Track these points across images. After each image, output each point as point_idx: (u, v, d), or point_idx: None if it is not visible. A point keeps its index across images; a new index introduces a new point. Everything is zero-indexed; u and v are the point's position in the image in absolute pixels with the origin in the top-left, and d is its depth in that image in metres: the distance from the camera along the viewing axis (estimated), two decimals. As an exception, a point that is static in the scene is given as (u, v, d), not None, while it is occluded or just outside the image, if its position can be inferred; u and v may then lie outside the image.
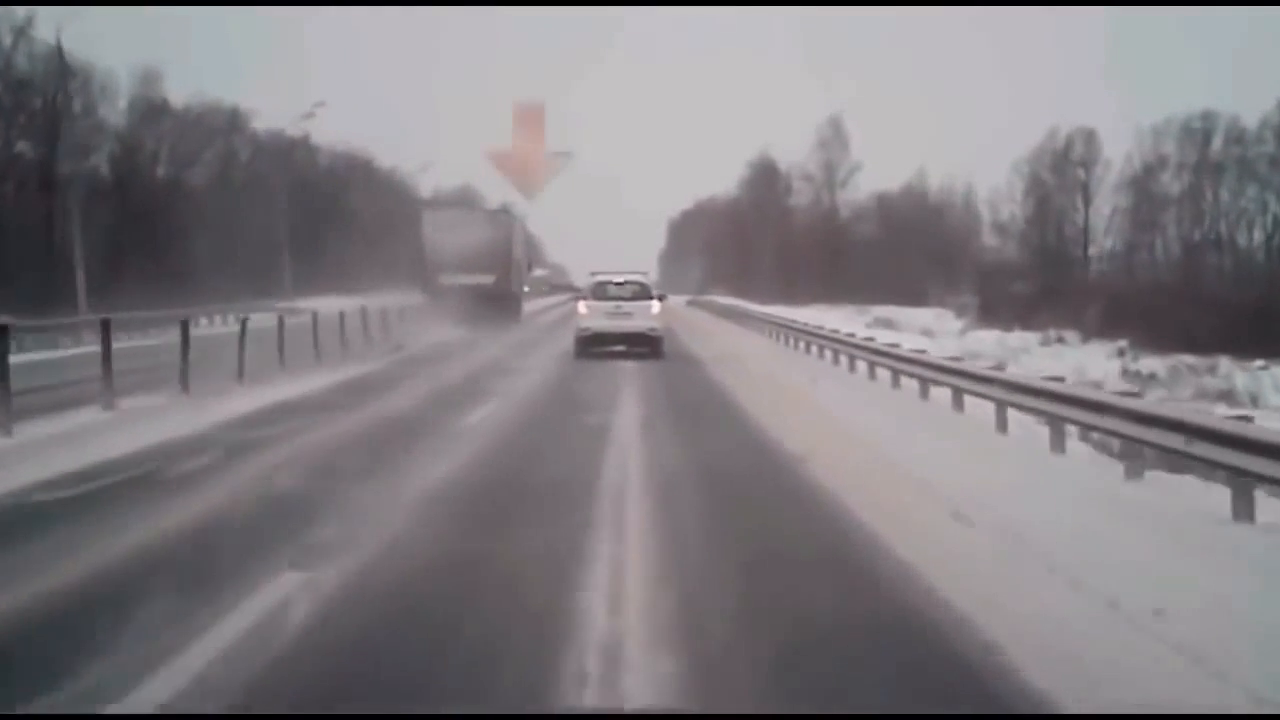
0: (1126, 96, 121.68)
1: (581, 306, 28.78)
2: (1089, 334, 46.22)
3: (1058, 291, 52.79)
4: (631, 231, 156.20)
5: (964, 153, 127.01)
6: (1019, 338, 48.39)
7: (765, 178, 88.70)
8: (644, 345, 27.18)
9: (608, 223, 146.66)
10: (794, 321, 33.04)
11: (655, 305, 28.09)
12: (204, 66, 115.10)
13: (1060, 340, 47.26)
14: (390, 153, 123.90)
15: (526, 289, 51.12)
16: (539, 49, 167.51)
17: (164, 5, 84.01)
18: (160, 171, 63.31)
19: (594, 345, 27.51)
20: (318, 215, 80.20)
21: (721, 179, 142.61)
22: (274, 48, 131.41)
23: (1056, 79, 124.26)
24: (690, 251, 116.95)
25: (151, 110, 61.24)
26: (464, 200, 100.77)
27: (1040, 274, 63.14)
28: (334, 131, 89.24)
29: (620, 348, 27.31)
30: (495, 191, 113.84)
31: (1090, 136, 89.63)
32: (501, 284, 41.68)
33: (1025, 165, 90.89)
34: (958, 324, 58.54)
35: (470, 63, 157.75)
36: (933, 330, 53.81)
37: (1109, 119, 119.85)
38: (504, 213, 45.45)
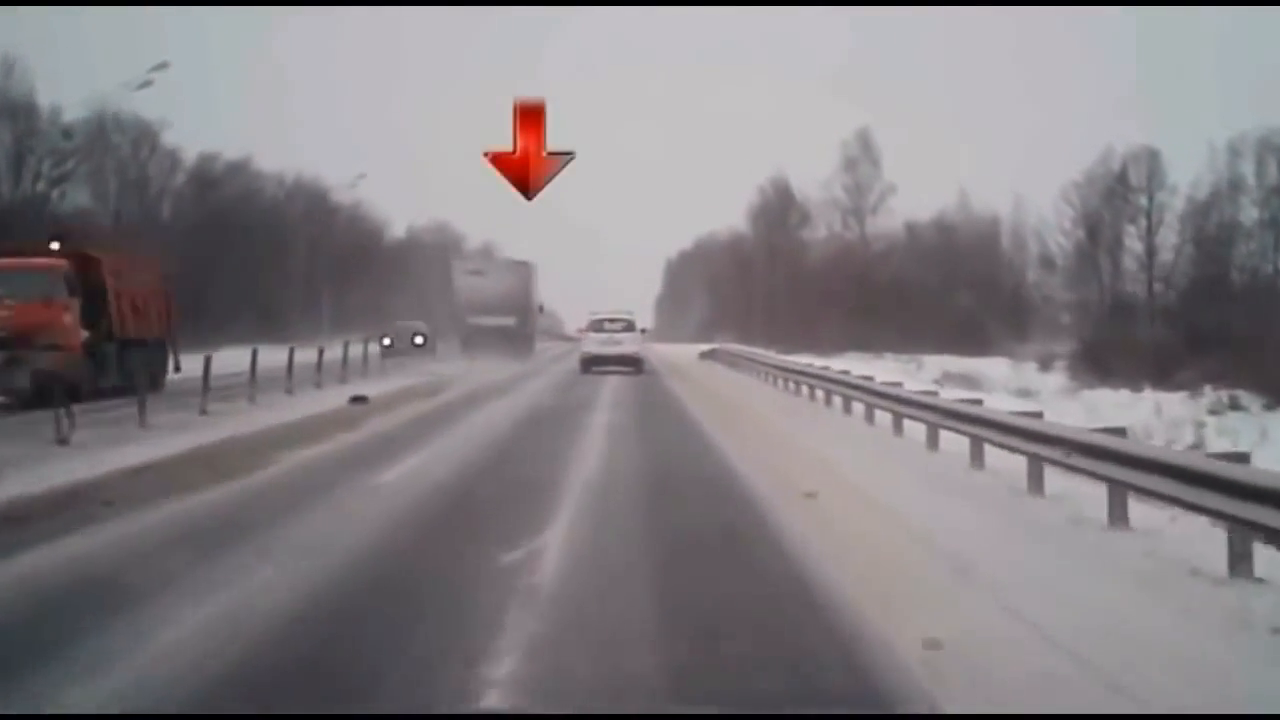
0: (1188, 114, 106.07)
1: (585, 336, 36.40)
2: (1275, 396, 31.04)
3: (1202, 339, 37.57)
4: (625, 275, 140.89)
5: (1005, 177, 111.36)
6: (1165, 401, 33.33)
7: (779, 205, 73.64)
8: (630, 364, 34.29)
9: (599, 268, 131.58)
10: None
11: (638, 335, 36.23)
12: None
13: (1235, 406, 32.15)
14: (364, 191, 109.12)
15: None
16: (519, 82, 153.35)
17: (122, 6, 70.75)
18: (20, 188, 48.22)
19: (593, 364, 34.43)
20: (251, 250, 65.46)
21: (723, 216, 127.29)
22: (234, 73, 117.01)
23: (1106, 95, 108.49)
24: (690, 294, 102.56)
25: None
26: (441, 235, 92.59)
27: (1185, 315, 47.74)
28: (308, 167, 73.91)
29: (614, 368, 34.00)
30: (475, 229, 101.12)
31: (1153, 157, 75.31)
32: (521, 324, 46.13)
33: (1075, 191, 76.84)
34: (1050, 379, 43.41)
35: (443, 97, 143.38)
36: (1029, 389, 38.77)
37: (1170, 138, 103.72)
38: (523, 263, 49.88)
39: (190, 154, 64.02)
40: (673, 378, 33.04)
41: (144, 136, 59.38)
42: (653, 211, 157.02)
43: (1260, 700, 5.45)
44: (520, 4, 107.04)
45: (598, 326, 35.89)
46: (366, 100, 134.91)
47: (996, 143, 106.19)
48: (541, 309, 54.62)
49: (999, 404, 20.73)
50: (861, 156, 68.16)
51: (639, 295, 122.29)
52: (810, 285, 66.59)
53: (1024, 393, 35.81)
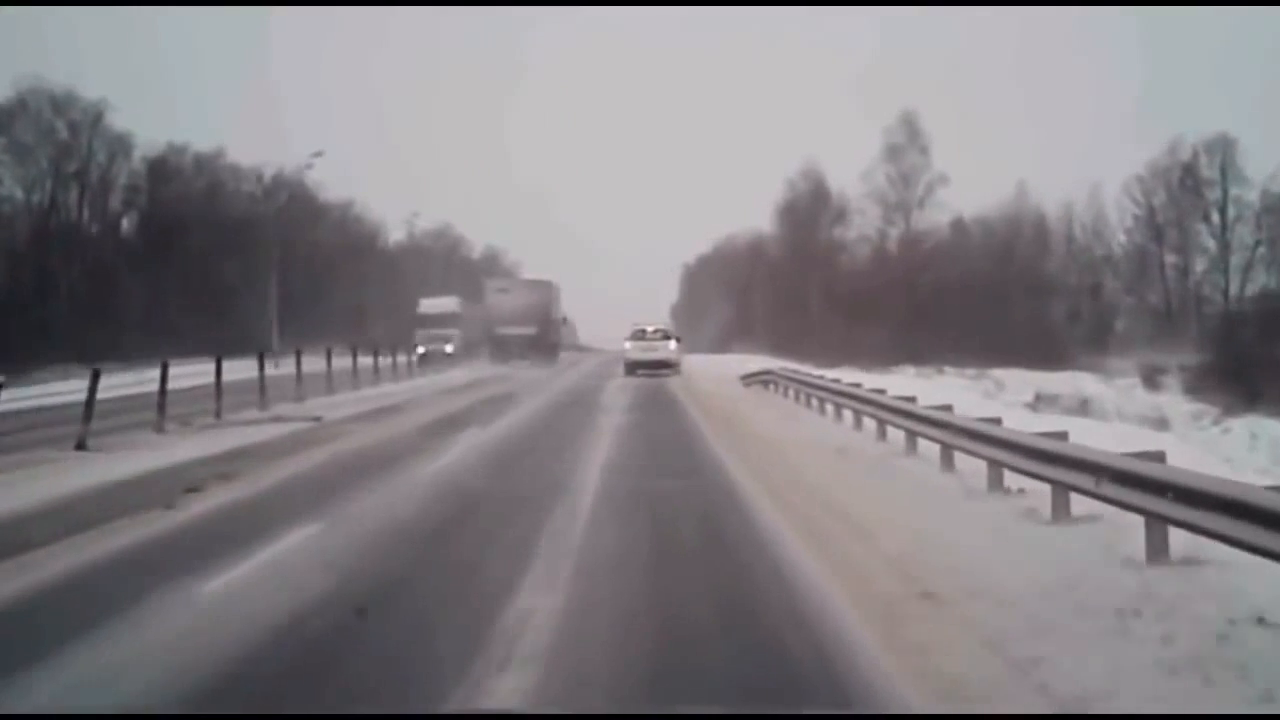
0: (1263, 102, 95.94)
1: (626, 344, 39.63)
2: None
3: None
4: (639, 281, 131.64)
5: (1056, 173, 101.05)
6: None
7: (811, 200, 64.19)
8: (666, 367, 37.48)
9: (611, 275, 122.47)
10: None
11: (673, 343, 39.68)
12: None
13: None
14: (361, 193, 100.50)
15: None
16: (528, 82, 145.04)
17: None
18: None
19: (635, 369, 37.23)
20: (216, 249, 56.74)
21: (745, 219, 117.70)
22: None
23: (1170, 85, 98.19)
24: (709, 302, 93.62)
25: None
26: (442, 240, 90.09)
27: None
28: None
29: (652, 372, 36.21)
30: (477, 231, 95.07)
31: (1228, 146, 66.09)
32: (542, 334, 51.27)
33: (1138, 185, 67.58)
34: (1166, 401, 34.03)
35: (447, 98, 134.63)
36: (1156, 416, 29.46)
37: (1242, 129, 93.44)
38: (545, 282, 55.22)
39: (146, 143, 55.55)
40: (731, 453, 15.56)
41: (84, 119, 50.61)
42: (668, 215, 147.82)
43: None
44: (528, 4, 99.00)
45: (639, 336, 39.72)
46: (365, 102, 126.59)
47: (1047, 136, 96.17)
48: (565, 321, 59.38)
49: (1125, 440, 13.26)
50: (907, 143, 58.59)
51: (653, 303, 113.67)
52: (849, 289, 57.32)
53: (1156, 423, 26.63)
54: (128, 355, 41.83)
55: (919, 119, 58.93)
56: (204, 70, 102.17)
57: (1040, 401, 31.43)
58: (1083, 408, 29.07)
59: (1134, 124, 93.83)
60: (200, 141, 62.97)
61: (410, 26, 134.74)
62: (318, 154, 54.02)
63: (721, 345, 69.20)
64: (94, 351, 43.67)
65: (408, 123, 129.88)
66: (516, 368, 42.18)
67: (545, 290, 54.60)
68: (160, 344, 44.46)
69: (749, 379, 31.04)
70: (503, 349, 49.25)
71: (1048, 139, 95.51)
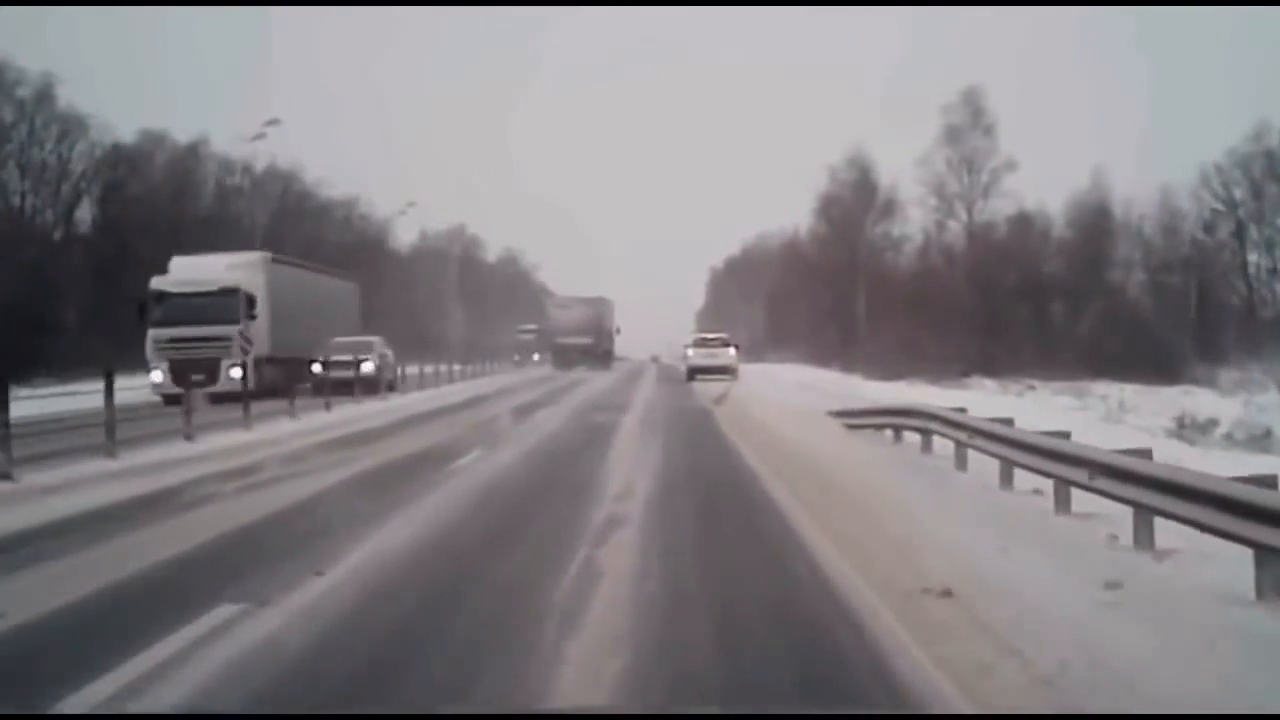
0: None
1: (689, 351, 42.00)
2: None
3: None
4: (664, 287, 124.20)
5: (1123, 161, 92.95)
6: None
7: (857, 190, 56.46)
8: (726, 372, 38.64)
9: (634, 279, 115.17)
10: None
11: (731, 350, 41.31)
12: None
13: None
14: (363, 192, 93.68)
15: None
16: (538, 81, 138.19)
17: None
18: None
19: (696, 373, 39.21)
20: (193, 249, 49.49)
21: (779, 218, 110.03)
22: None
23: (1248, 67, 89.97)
24: (738, 306, 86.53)
25: None
26: (454, 241, 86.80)
27: None
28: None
29: (713, 376, 37.28)
30: (490, 233, 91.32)
31: (1322, 129, 58.21)
32: (597, 343, 58.18)
33: (1218, 175, 59.81)
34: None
35: (464, 100, 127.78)
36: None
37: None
38: (600, 299, 61.45)
39: (123, 130, 48.69)
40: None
41: (30, 95, 43.60)
42: (692, 218, 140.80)
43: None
44: (552, 4, 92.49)
45: (702, 343, 42.30)
46: (376, 102, 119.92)
47: (1115, 122, 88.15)
48: (618, 331, 64.01)
49: None
50: (970, 124, 50.64)
51: (677, 309, 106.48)
52: (904, 290, 49.61)
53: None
54: (66, 366, 35.10)
55: (983, 96, 51.15)
56: (209, 70, 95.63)
57: (1187, 429, 23.86)
58: (1260, 440, 21.45)
59: (1214, 110, 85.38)
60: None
61: (423, 26, 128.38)
62: (272, 122, 46.06)
63: (754, 354, 62.00)
64: (29, 361, 36.84)
65: (418, 123, 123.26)
66: (576, 373, 47.69)
67: (600, 305, 60.81)
68: (112, 353, 37.63)
69: (855, 421, 17.71)
70: (563, 356, 55.48)
71: (1117, 125, 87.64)
